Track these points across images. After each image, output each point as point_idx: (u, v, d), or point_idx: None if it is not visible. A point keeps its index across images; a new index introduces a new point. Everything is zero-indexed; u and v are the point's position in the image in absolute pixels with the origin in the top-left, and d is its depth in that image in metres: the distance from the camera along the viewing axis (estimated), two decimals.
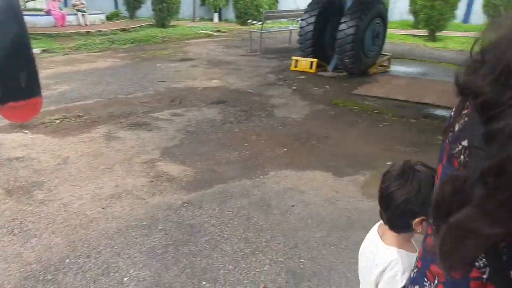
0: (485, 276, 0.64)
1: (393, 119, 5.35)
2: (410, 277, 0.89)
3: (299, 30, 8.15)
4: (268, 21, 11.91)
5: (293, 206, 3.24)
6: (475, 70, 0.60)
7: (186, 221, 3.00)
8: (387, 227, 1.27)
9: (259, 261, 2.59)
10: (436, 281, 0.75)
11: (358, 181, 3.70)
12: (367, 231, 2.97)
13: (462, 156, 0.64)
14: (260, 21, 10.30)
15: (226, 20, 17.02)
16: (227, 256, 2.63)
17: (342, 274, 2.47)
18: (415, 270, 0.86)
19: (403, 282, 1.14)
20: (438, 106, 5.83)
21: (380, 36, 7.86)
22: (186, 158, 4.09)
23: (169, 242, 2.75)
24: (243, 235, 2.84)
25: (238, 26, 15.01)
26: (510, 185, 0.50)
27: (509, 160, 0.49)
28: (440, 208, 0.63)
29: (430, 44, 11.97)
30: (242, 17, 15.28)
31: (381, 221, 1.32)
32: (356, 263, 2.55)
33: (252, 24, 10.89)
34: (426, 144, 4.53)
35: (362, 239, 2.89)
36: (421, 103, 5.96)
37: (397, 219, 1.21)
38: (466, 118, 0.64)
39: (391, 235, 1.27)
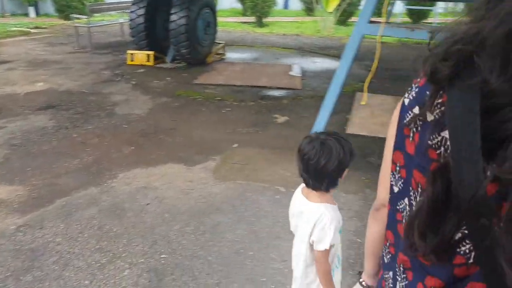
0: (470, 261, 0.65)
1: (234, 104, 5.66)
2: (384, 263, 0.88)
3: (129, 22, 7.80)
4: (96, 14, 11.05)
5: (148, 204, 3.17)
6: (444, 59, 0.61)
7: (25, 246, 2.65)
8: (310, 189, 1.47)
9: (118, 268, 2.47)
10: (402, 267, 0.77)
11: (209, 167, 3.82)
12: (222, 213, 3.13)
13: (442, 149, 0.63)
14: (86, 15, 9.48)
15: (46, 15, 15.11)
16: (81, 271, 2.43)
17: (204, 259, 2.55)
18: (388, 256, 0.86)
19: (332, 230, 1.42)
20: (271, 88, 6.40)
21: (211, 25, 8.12)
22: (15, 176, 3.56)
23: (7, 275, 2.39)
24: (97, 246, 2.66)
25: (61, 21, 13.51)
26: None
27: None
28: (435, 207, 0.63)
29: (259, 30, 12.93)
30: (64, 11, 13.78)
31: (302, 185, 1.54)
32: (215, 245, 2.68)
33: (77, 18, 9.95)
34: (265, 123, 4.96)
35: (218, 222, 3.01)
36: (257, 86, 6.45)
37: (321, 181, 1.42)
38: (443, 108, 0.63)
39: (315, 194, 1.47)
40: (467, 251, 0.65)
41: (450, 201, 0.62)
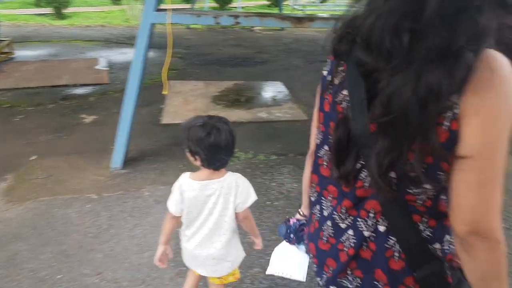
0: (366, 185, 0.86)
1: (29, 110, 4.90)
2: (312, 201, 1.07)
3: None
4: None
5: None
6: (341, 39, 0.85)
7: None
8: (211, 171, 1.56)
9: None
10: (329, 197, 0.98)
11: (0, 189, 3.22)
12: (21, 240, 2.66)
13: (344, 103, 0.86)
14: None
15: None
16: None
17: None
18: (315, 194, 1.05)
19: (251, 185, 1.66)
20: (74, 86, 5.79)
21: None
22: None
23: None
24: None
25: None
26: (393, 126, 0.74)
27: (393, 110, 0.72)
28: (340, 146, 0.86)
29: (58, 23, 11.52)
30: None
31: (185, 174, 1.60)
32: (13, 280, 2.27)
33: None
34: (70, 126, 4.46)
35: (16, 252, 2.56)
36: (57, 86, 5.74)
37: (228, 158, 1.57)
38: (343, 74, 0.86)
39: (218, 172, 1.58)
40: (365, 176, 0.86)
41: (351, 141, 0.84)
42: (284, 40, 10.63)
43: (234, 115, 4.85)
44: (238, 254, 1.77)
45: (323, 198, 1.01)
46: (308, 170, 1.15)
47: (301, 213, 1.30)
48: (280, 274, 1.32)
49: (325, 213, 0.99)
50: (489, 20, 0.68)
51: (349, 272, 0.94)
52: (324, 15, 3.33)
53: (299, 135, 4.39)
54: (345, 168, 0.87)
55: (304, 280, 1.30)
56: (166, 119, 4.68)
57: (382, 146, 0.76)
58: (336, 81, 0.89)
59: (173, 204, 1.60)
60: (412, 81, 0.69)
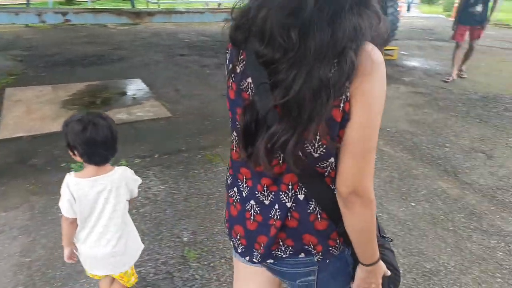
0: (281, 161, 0.93)
1: None
2: (227, 184, 1.13)
3: None
4: None
5: None
6: (237, 29, 0.90)
7: None
8: (97, 167, 1.58)
9: None
10: (244, 178, 1.04)
11: None
12: None
13: (249, 90, 0.91)
14: None
15: None
16: None
17: None
18: (230, 177, 1.11)
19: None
20: None
21: None
22: None
23: None
24: None
25: None
26: (294, 110, 0.81)
27: (291, 98, 0.80)
28: (248, 130, 0.90)
29: None
30: None
31: (70, 173, 1.58)
32: None
33: None
34: None
35: None
36: None
37: (114, 151, 1.59)
38: (244, 62, 0.90)
39: (103, 167, 1.60)
40: (278, 154, 0.92)
41: (259, 124, 0.88)
42: (142, 35, 10.15)
43: None
44: (137, 247, 1.83)
45: (238, 180, 1.07)
46: None
47: None
48: None
49: (244, 194, 1.06)
50: (363, 20, 0.79)
51: (280, 243, 1.03)
52: (180, 8, 3.21)
53: (163, 134, 4.22)
54: (253, 149, 0.91)
55: None
56: (3, 133, 4.01)
57: (277, 128, 0.84)
58: (238, 70, 0.93)
59: (64, 207, 1.58)
60: (304, 74, 0.78)
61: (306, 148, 0.88)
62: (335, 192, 0.95)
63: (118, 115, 4.62)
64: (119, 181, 1.63)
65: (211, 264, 2.36)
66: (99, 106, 4.90)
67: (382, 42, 0.85)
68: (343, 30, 0.77)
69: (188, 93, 5.56)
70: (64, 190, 1.57)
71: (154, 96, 5.32)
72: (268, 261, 1.07)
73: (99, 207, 1.62)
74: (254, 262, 1.10)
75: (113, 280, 1.91)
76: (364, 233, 0.96)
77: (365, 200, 0.90)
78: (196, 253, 2.44)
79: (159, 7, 12.02)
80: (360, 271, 1.04)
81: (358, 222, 0.94)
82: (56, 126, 4.21)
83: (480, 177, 3.50)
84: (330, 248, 1.02)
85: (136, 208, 2.89)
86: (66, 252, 1.74)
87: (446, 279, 2.30)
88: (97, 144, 1.52)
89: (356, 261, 1.04)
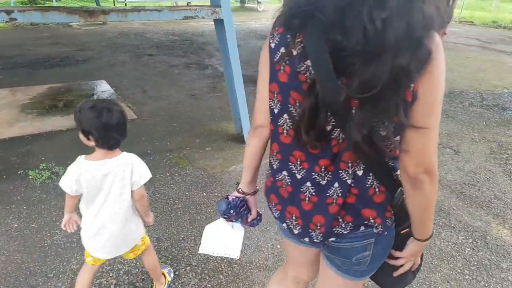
0: (340, 140, 0.97)
1: None
2: (273, 168, 1.15)
3: None
4: None
5: None
6: (293, 15, 0.90)
7: None
8: (105, 151, 1.62)
9: None
10: (298, 161, 1.06)
11: None
12: None
13: (308, 73, 0.92)
14: None
15: None
16: None
17: None
18: (276, 162, 1.13)
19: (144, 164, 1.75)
20: None
21: None
22: None
23: None
24: None
25: None
26: (375, 98, 0.84)
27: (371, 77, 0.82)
28: (313, 112, 0.92)
29: None
30: None
31: (81, 156, 1.63)
32: None
33: None
34: None
35: None
36: None
37: (110, 139, 1.60)
38: (302, 45, 0.91)
39: (112, 152, 1.64)
40: (337, 134, 0.96)
41: (319, 106, 0.90)
42: (108, 35, 9.87)
43: (50, 123, 4.22)
44: (137, 233, 1.87)
45: (290, 163, 1.08)
46: (253, 140, 1.22)
47: (240, 190, 1.34)
48: (213, 253, 1.36)
49: (299, 176, 1.07)
50: (431, 8, 0.81)
51: (340, 220, 1.06)
52: (149, 7, 3.06)
53: (128, 137, 4.06)
54: (315, 131, 0.94)
55: (239, 257, 1.37)
56: None
57: (362, 117, 0.87)
58: (295, 52, 0.92)
59: (67, 185, 1.63)
60: (388, 64, 0.80)
61: (376, 127, 0.91)
62: (390, 165, 1.01)
63: None
64: (125, 165, 1.68)
65: (176, 273, 2.26)
66: (61, 109, 4.68)
67: (442, 25, 0.88)
68: (416, 20, 0.80)
69: (156, 94, 5.41)
70: (72, 170, 1.63)
71: (119, 98, 5.13)
72: (330, 239, 1.10)
73: (106, 190, 1.67)
74: (315, 243, 1.13)
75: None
76: (428, 210, 1.02)
77: (433, 177, 0.94)
78: (161, 261, 2.32)
79: (126, 5, 11.72)
80: (413, 246, 1.12)
81: (425, 200, 0.98)
82: (13, 132, 3.99)
83: (448, 173, 3.53)
84: (387, 220, 1.06)
85: None
86: (66, 217, 1.77)
87: (416, 278, 2.28)
88: (112, 128, 1.58)
89: (397, 232, 1.12)
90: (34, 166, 3.34)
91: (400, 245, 1.15)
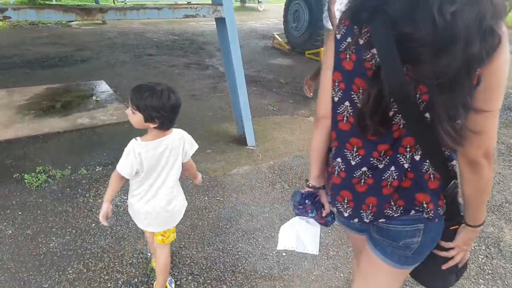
0: (401, 126, 1.00)
1: None
2: (331, 155, 1.20)
3: None
4: None
5: None
6: (361, 10, 0.96)
7: None
8: (147, 134, 1.70)
9: None
10: (355, 148, 1.09)
11: None
12: None
13: (373, 60, 0.96)
14: None
15: None
16: None
17: None
18: (333, 149, 1.17)
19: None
20: None
21: None
22: None
23: None
24: None
25: None
26: (450, 85, 0.87)
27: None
28: (379, 98, 0.96)
29: None
30: None
31: (135, 139, 1.68)
32: None
33: None
34: None
35: None
36: None
37: (175, 119, 1.69)
38: (368, 35, 0.95)
39: (155, 132, 1.69)
40: (398, 120, 1.00)
41: (383, 92, 0.95)
42: (108, 35, 9.76)
43: (48, 125, 4.12)
44: (183, 203, 1.95)
45: (345, 150, 1.11)
46: (317, 132, 1.22)
47: (310, 185, 1.33)
48: (292, 249, 1.36)
49: (353, 163, 1.10)
50: None
51: (392, 203, 1.08)
52: (149, 5, 2.97)
53: (128, 138, 3.91)
54: (378, 117, 0.98)
55: (318, 253, 1.37)
56: None
57: (441, 103, 0.89)
58: (361, 41, 0.97)
59: (128, 167, 1.67)
60: (459, 53, 0.83)
61: (446, 112, 0.92)
62: (446, 154, 1.02)
63: (79, 119, 4.32)
64: (178, 141, 1.77)
65: (177, 282, 2.15)
66: (59, 111, 4.58)
67: (505, 14, 0.90)
68: (485, 8, 0.82)
69: None
70: (129, 152, 1.67)
71: (119, 99, 5.03)
72: (380, 220, 1.12)
73: (160, 167, 1.74)
74: (365, 223, 1.15)
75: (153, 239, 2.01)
76: (483, 194, 1.05)
77: (491, 161, 0.97)
78: None
79: (125, 4, 11.62)
80: (464, 233, 1.14)
81: (483, 184, 1.02)
82: (9, 133, 3.89)
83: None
84: (439, 209, 1.07)
85: (95, 221, 2.65)
86: (105, 207, 1.76)
87: None
88: (178, 108, 1.66)
89: (448, 224, 1.13)
90: (30, 169, 3.24)
91: (448, 240, 1.16)
